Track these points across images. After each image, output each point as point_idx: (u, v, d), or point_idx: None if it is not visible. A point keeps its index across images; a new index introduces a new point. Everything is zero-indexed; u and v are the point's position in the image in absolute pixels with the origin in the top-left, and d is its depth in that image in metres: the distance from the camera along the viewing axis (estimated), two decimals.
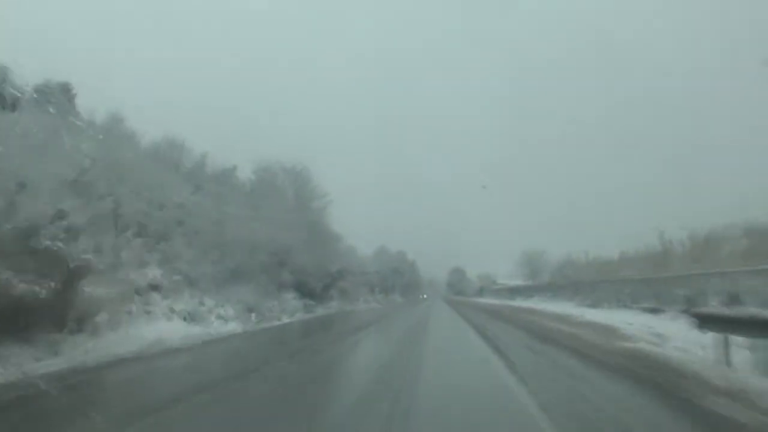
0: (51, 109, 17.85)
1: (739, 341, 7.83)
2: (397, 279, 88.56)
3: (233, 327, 20.90)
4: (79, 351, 11.68)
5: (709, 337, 8.44)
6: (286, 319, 26.44)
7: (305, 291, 34.72)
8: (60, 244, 11.72)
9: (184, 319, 19.81)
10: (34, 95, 19.81)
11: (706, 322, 8.65)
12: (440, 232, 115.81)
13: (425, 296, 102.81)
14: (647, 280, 18.04)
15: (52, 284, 11.58)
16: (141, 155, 27.01)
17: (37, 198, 11.65)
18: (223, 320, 21.70)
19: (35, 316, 10.89)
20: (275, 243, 30.05)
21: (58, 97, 20.28)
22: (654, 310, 15.16)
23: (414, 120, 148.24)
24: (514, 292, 44.90)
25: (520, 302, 33.64)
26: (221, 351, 14.77)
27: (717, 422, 5.74)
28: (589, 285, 29.13)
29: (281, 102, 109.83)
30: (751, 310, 8.36)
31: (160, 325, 18.02)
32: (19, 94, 18.43)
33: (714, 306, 11.94)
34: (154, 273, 21.05)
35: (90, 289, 13.42)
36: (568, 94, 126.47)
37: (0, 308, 9.94)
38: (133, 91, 47.88)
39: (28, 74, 19.01)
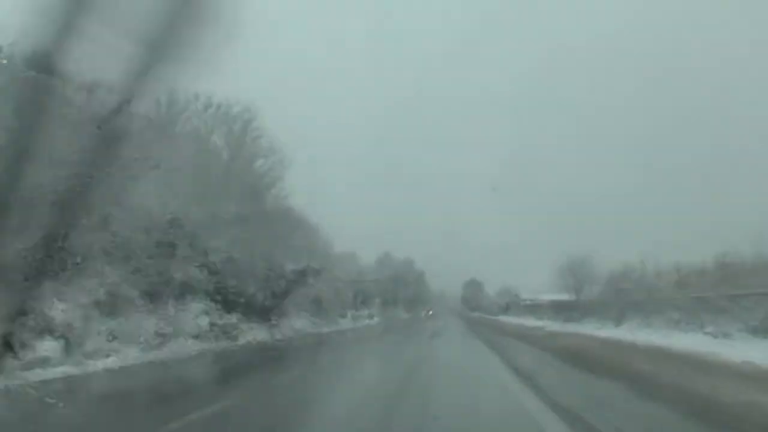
0: None
1: None
2: (400, 289, 74.42)
3: None
4: None
5: None
6: (103, 363, 12.38)
7: (240, 302, 21.28)
8: None
9: None
10: None
11: None
12: (452, 243, 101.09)
13: (431, 312, 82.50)
14: None
15: None
16: None
17: None
18: None
19: None
20: (167, 211, 16.76)
21: None
22: None
23: (422, 122, 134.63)
24: (566, 309, 30.65)
25: (619, 332, 19.75)
26: None
27: None
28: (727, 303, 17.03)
29: (281, 101, 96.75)
30: None
31: None
32: None
33: None
34: None
35: None
36: (589, 87, 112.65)
37: None
38: None
39: None
